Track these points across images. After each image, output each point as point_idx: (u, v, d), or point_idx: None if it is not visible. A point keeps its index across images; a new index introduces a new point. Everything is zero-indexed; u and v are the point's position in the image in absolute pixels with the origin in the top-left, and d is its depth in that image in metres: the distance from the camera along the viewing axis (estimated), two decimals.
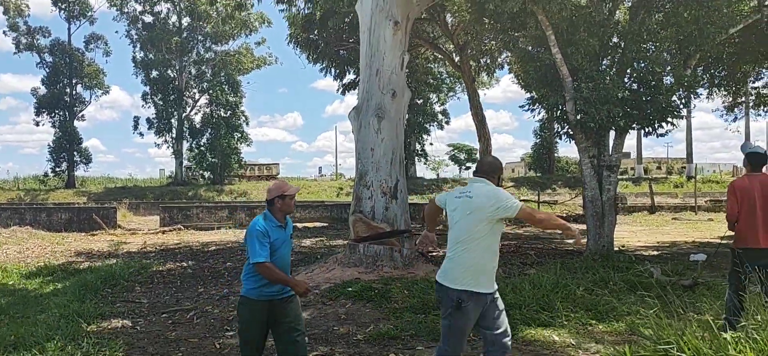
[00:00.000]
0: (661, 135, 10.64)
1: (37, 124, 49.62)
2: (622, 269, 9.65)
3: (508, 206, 3.95)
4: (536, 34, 10.91)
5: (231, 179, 51.54)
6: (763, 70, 16.76)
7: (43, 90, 48.71)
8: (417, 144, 54.41)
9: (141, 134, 51.97)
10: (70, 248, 15.81)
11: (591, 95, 10.44)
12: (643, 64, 10.49)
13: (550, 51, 10.77)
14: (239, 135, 52.73)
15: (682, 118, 10.93)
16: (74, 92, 49.71)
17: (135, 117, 51.98)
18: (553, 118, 11.88)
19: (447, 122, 55.38)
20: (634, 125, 11.10)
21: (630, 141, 50.48)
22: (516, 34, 11.07)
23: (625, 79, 10.94)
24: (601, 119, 10.49)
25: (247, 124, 53.80)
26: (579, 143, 11.34)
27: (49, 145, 49.02)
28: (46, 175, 50.54)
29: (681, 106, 10.62)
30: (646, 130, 10.57)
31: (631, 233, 18.66)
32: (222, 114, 52.36)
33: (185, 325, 7.44)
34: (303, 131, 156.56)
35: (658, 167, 75.96)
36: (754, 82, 17.51)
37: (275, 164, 58.34)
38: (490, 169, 4.22)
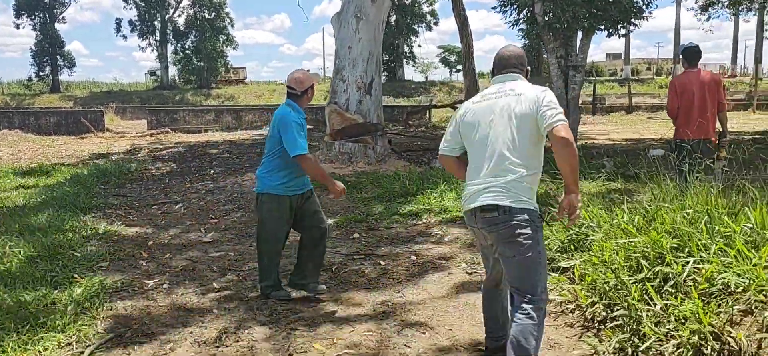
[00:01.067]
0: (623, 36, 11.11)
1: (18, 27, 48.84)
2: (580, 161, 10.37)
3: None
4: None
5: (217, 83, 51.41)
6: None
7: None
8: (405, 46, 54.00)
9: (124, 37, 51.47)
10: (61, 151, 16.38)
11: None
12: None
13: None
14: (225, 38, 52.23)
15: (645, 19, 11.39)
16: None
17: (117, 19, 51.47)
18: (524, 19, 12.28)
19: (436, 23, 54.88)
20: (600, 26, 11.54)
21: (618, 42, 50.48)
22: None
23: None
24: (567, 20, 10.95)
25: (232, 26, 53.22)
26: (547, 43, 11.83)
27: (31, 48, 48.53)
28: (30, 79, 50.22)
29: (644, 6, 11.04)
30: (609, 31, 11.06)
31: (603, 132, 19.41)
32: (206, 16, 51.62)
33: (173, 215, 8.18)
34: (291, 34, 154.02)
35: (648, 68, 76.15)
36: None
37: (242, 68, 57.70)
38: (520, 61, 3.25)
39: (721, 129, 6.49)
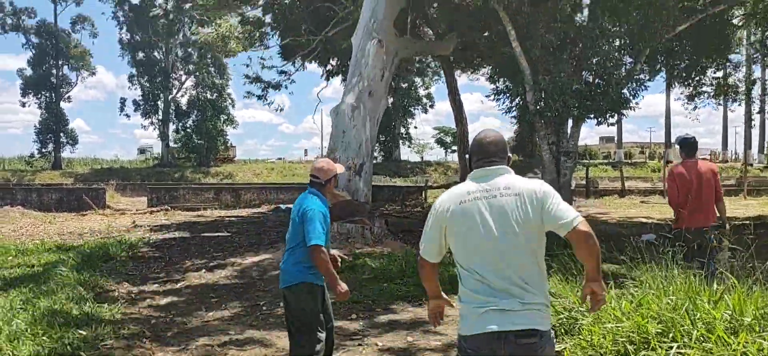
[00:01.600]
0: (611, 124, 11.61)
1: (24, 105, 49.92)
2: (566, 244, 10.63)
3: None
4: (498, 30, 11.80)
5: (216, 161, 52.10)
6: (725, 61, 17.80)
7: (29, 71, 48.98)
8: (401, 127, 55.09)
9: (127, 116, 52.27)
10: (63, 228, 16.57)
11: (548, 87, 11.37)
12: (596, 60, 11.43)
13: (511, 45, 11.68)
14: (225, 117, 53.34)
15: (632, 109, 11.94)
16: (60, 74, 50.03)
17: (121, 99, 52.61)
18: (516, 106, 12.81)
19: (431, 106, 56.16)
20: (589, 115, 12.05)
21: (609, 126, 51.44)
22: (480, 30, 11.93)
23: (582, 72, 11.87)
24: (558, 109, 11.45)
25: (232, 106, 54.43)
26: (539, 130, 12.30)
27: (35, 126, 49.43)
28: (31, 156, 50.86)
29: (631, 98, 11.58)
30: (598, 119, 11.57)
31: (597, 215, 19.72)
32: (208, 96, 52.89)
33: (174, 293, 8.33)
34: (289, 113, 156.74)
35: (641, 152, 77.46)
36: (715, 73, 18.54)
37: (232, 147, 58.60)
38: (503, 149, 2.93)
39: (721, 219, 6.54)
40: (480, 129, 3.15)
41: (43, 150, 49.68)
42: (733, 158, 58.94)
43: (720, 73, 18.51)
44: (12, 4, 48.71)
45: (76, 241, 13.67)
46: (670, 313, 4.35)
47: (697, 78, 17.68)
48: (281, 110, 66.90)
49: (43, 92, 49.04)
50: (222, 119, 52.83)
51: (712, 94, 18.32)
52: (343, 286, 4.23)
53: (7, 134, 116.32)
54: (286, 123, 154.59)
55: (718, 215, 6.55)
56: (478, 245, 2.76)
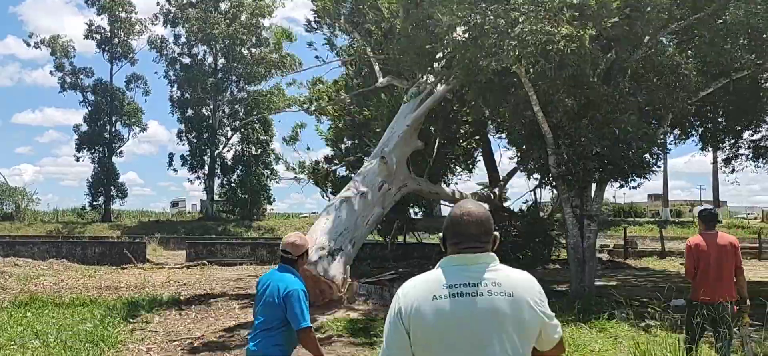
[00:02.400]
0: (634, 187, 11.52)
1: (78, 160, 52.23)
2: (593, 311, 10.49)
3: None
4: (521, 94, 11.96)
5: (259, 215, 53.10)
6: (761, 124, 17.44)
7: (84, 127, 51.47)
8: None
9: (175, 170, 54.06)
10: (101, 281, 17.20)
11: (569, 151, 11.42)
12: (617, 127, 11.43)
13: (532, 109, 11.81)
14: (269, 172, 54.59)
15: (654, 172, 11.83)
16: (114, 130, 52.41)
17: (169, 154, 54.44)
18: (539, 171, 12.85)
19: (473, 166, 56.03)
20: (611, 179, 11.98)
21: (656, 183, 49.85)
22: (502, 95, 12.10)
23: (603, 137, 11.86)
24: (579, 173, 11.46)
25: (276, 161, 55.69)
26: (561, 193, 12.29)
27: (87, 180, 51.62)
28: (83, 208, 52.97)
29: (652, 162, 11.47)
30: (621, 183, 11.50)
31: (633, 277, 19.24)
32: (253, 151, 54.38)
33: (192, 351, 8.58)
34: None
35: (690, 210, 75.17)
36: (752, 136, 18.14)
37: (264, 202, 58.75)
38: (488, 229, 2.26)
39: (741, 294, 6.25)
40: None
41: (95, 203, 51.67)
42: None
43: (758, 136, 18.14)
44: (71, 63, 51.70)
45: (112, 295, 14.20)
46: None
47: (733, 140, 17.39)
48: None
49: (97, 147, 51.32)
50: (266, 173, 54.11)
51: (749, 156, 17.93)
52: None
53: (63, 186, 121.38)
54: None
55: (737, 289, 6.26)
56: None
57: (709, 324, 5.93)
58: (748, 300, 6.26)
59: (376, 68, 16.71)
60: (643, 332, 8.89)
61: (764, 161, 18.12)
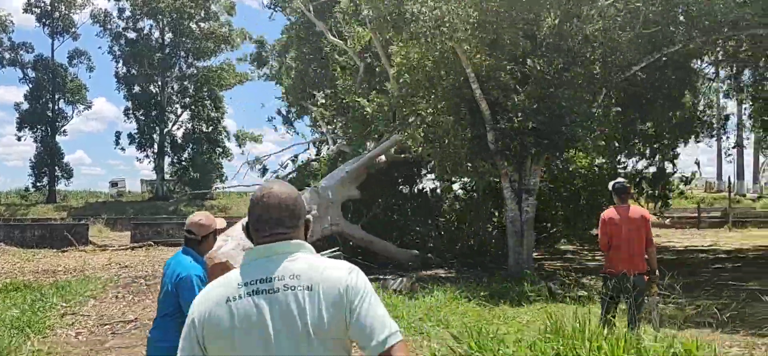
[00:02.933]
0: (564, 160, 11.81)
1: (19, 139, 50.33)
2: (527, 283, 10.74)
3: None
4: (459, 71, 12.04)
5: (211, 194, 52.31)
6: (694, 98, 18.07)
7: (25, 105, 49.52)
8: None
9: (122, 149, 52.60)
10: (39, 266, 16.72)
11: (506, 127, 11.58)
12: (553, 100, 11.60)
13: (471, 87, 11.91)
14: (220, 150, 53.76)
15: (585, 147, 12.13)
16: (56, 107, 50.53)
17: (116, 132, 52.83)
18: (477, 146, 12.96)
19: None
20: (547, 153, 12.19)
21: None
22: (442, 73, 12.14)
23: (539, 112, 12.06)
24: (516, 148, 11.65)
25: (228, 139, 54.84)
26: (500, 168, 12.47)
27: (30, 160, 49.79)
28: (27, 189, 51.17)
29: (586, 136, 11.67)
30: (555, 156, 11.74)
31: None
32: (204, 129, 53.39)
33: (123, 335, 8.44)
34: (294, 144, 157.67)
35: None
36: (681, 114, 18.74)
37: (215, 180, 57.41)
38: (294, 211, 1.96)
39: (651, 266, 6.45)
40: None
41: (38, 184, 49.98)
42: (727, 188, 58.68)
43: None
44: (10, 38, 49.53)
45: (49, 279, 13.82)
46: None
47: (670, 114, 17.95)
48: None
49: (39, 126, 49.47)
50: (217, 152, 53.27)
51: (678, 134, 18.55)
52: None
53: (6, 166, 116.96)
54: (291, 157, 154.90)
55: (648, 261, 6.47)
56: None
57: (622, 295, 6.06)
58: (657, 271, 6.45)
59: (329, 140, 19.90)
60: (574, 304, 9.18)
61: (690, 138, 18.80)
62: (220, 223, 4.03)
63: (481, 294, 9.55)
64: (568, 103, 11.34)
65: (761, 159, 51.10)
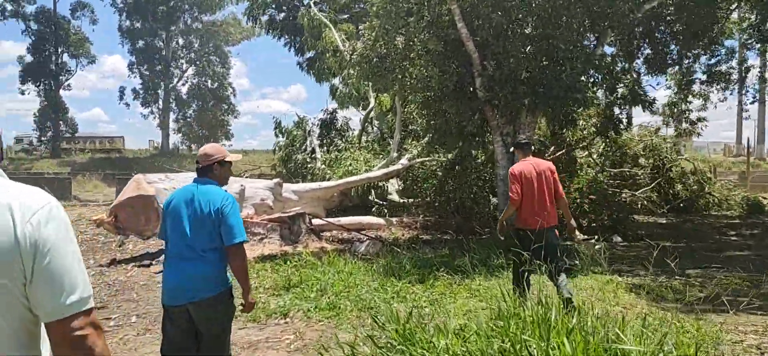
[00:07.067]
0: (566, 119, 10.38)
1: (23, 92, 49.67)
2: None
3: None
4: (442, 11, 10.66)
5: None
6: (717, 47, 16.39)
7: (28, 58, 48.69)
8: None
9: (127, 105, 51.86)
10: None
11: (495, 74, 10.24)
12: (550, 42, 10.22)
13: (455, 26, 10.54)
14: (226, 107, 52.75)
15: (589, 101, 10.66)
16: (60, 61, 49.62)
17: (120, 87, 52.31)
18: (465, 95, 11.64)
19: None
20: (543, 105, 10.83)
21: None
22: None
23: (535, 57, 10.68)
24: (506, 98, 10.30)
25: (234, 96, 53.80)
26: (491, 120, 11.15)
27: (34, 114, 49.18)
28: (31, 143, 50.70)
29: (590, 86, 10.32)
30: (553, 109, 10.32)
31: None
32: (209, 86, 52.34)
33: None
34: (307, 104, 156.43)
35: None
36: (709, 60, 17.11)
37: (119, 138, 55.58)
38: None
39: (566, 217, 6.34)
40: None
41: (43, 138, 49.43)
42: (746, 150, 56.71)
43: (714, 60, 17.12)
44: None
45: None
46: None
47: (688, 64, 16.40)
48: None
49: (43, 80, 48.68)
50: (223, 108, 52.27)
51: (704, 81, 16.97)
52: (253, 297, 3.71)
53: (16, 120, 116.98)
54: (303, 114, 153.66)
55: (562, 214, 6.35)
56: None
57: (535, 253, 5.40)
58: (573, 221, 6.32)
59: None
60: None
61: (720, 87, 17.20)
62: (235, 157, 3.85)
63: (455, 263, 8.35)
64: (566, 45, 9.96)
65: None
